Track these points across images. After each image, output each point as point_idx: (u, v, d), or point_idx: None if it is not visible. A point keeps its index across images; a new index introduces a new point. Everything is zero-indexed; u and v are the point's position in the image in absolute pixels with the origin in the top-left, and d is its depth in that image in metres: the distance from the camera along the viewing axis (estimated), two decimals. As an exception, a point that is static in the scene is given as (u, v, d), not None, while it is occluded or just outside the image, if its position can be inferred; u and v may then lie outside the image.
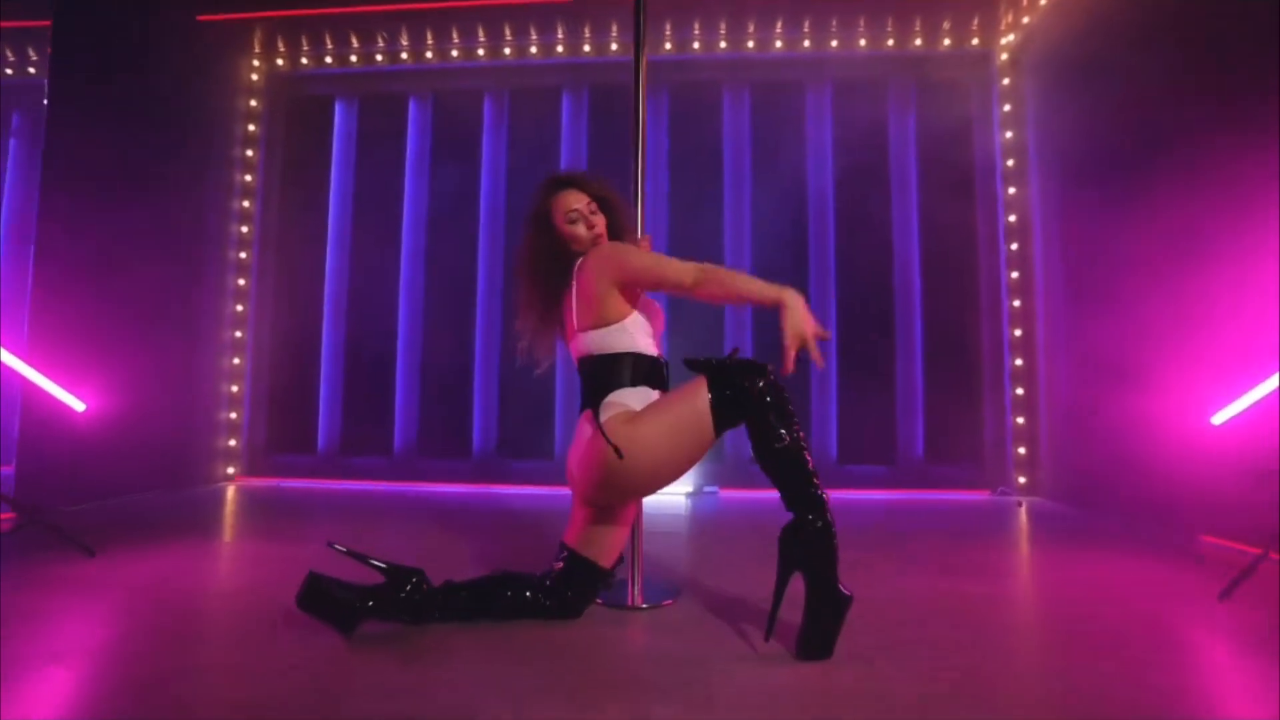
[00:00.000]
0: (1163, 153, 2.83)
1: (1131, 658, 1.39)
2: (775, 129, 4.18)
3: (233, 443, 4.23)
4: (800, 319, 1.44)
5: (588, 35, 4.21)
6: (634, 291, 1.64)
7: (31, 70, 4.45)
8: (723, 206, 4.16)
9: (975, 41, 4.09)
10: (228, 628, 1.60)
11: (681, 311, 3.90)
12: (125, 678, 1.27)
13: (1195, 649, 1.47)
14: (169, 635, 1.51)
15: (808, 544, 1.38)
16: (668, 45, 4.22)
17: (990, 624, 1.64)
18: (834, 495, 3.91)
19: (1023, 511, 3.39)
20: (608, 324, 1.60)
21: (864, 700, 1.18)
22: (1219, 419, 2.32)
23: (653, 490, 1.58)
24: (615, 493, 1.57)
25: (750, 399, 1.44)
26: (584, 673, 1.32)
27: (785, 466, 1.42)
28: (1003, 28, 4.02)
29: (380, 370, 4.24)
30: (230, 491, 3.88)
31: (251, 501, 3.55)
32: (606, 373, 1.60)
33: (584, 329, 1.63)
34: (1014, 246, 3.97)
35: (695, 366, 1.52)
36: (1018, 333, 3.92)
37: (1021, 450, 3.87)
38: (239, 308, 4.29)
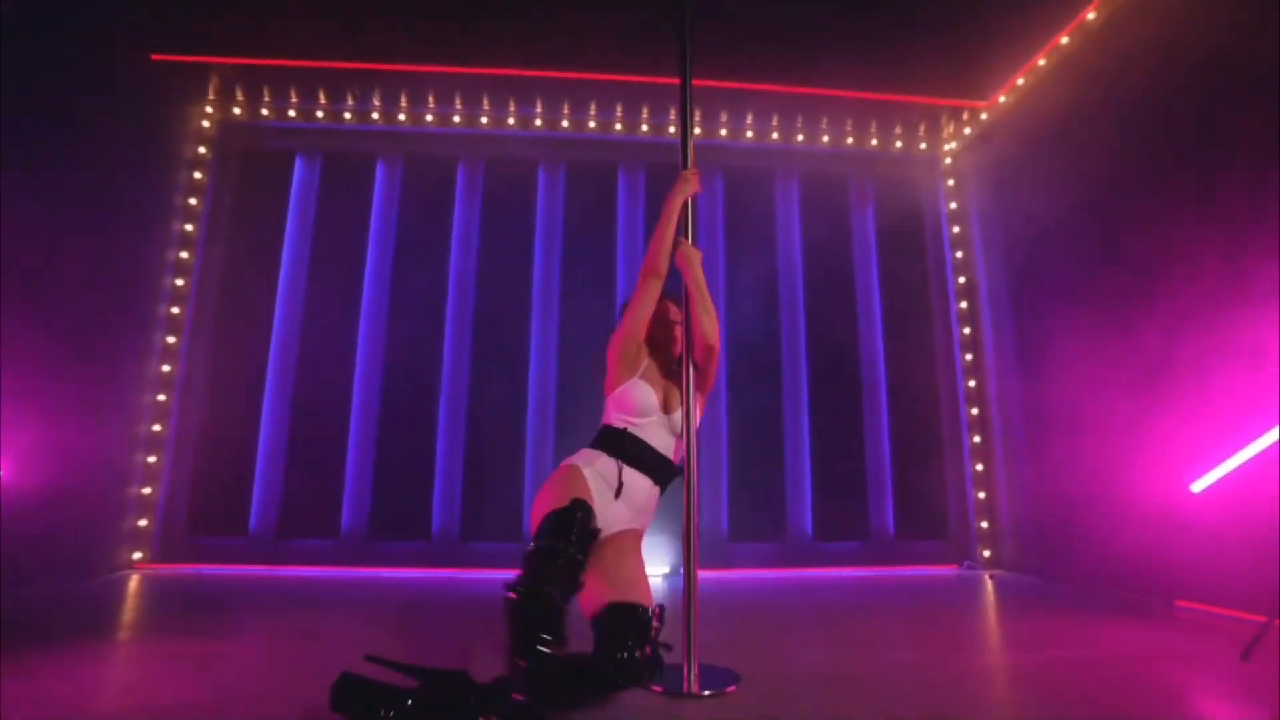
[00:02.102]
0: (1105, 232, 3.17)
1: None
2: (748, 212, 4.35)
3: (143, 523, 3.66)
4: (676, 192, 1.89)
5: (566, 111, 4.28)
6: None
7: None
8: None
9: (923, 145, 4.51)
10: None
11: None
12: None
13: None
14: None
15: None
16: (644, 128, 4.36)
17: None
18: (811, 573, 3.90)
19: (990, 583, 3.48)
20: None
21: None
22: (1199, 486, 2.50)
23: None
24: None
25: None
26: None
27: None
28: (945, 135, 4.46)
29: (329, 443, 3.86)
30: (133, 581, 3.31)
31: (166, 592, 3.04)
32: None
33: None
34: (966, 331, 4.27)
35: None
36: (974, 411, 4.15)
37: (984, 524, 4.02)
38: (165, 367, 3.82)
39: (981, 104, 4.12)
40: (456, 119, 4.26)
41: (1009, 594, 3.16)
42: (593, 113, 4.28)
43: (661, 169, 4.36)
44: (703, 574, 3.78)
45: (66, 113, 3.13)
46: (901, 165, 4.52)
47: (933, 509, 4.06)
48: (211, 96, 4.10)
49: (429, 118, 4.24)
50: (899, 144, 4.48)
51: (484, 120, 4.26)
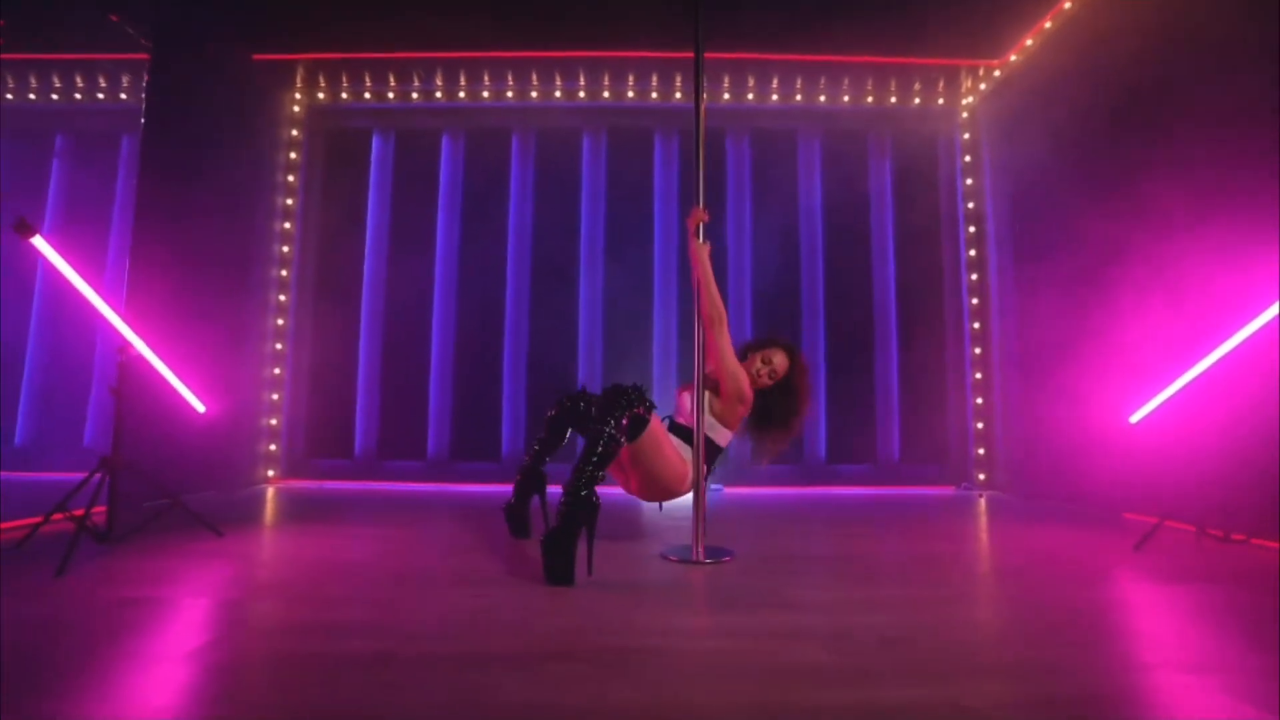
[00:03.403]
0: (1097, 197, 3.52)
1: (1069, 594, 1.96)
2: (772, 171, 4.78)
3: (273, 447, 4.55)
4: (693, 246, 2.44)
5: (607, 83, 4.73)
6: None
7: (78, 96, 4.71)
8: (726, 239, 4.72)
9: (941, 101, 4.79)
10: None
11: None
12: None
13: (1119, 583, 2.06)
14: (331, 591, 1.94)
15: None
16: (678, 95, 4.78)
17: (968, 574, 2.20)
18: (823, 491, 4.47)
19: (982, 502, 4.02)
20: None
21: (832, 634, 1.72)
22: (1136, 418, 2.96)
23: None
24: None
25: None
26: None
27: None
28: (963, 91, 4.72)
29: (414, 381, 4.64)
30: (271, 492, 4.19)
31: (306, 500, 3.89)
32: None
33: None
34: (974, 277, 4.65)
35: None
36: (977, 350, 4.59)
37: (981, 451, 4.52)
38: (279, 321, 4.63)
39: (995, 62, 4.38)
40: (510, 95, 4.77)
41: (992, 510, 3.69)
42: (630, 84, 4.72)
43: (693, 135, 4.78)
44: (729, 489, 4.46)
45: (193, 113, 3.81)
46: (919, 120, 4.83)
47: (935, 437, 4.58)
48: (299, 85, 4.74)
49: (485, 95, 4.78)
50: (917, 100, 4.77)
51: (534, 95, 4.77)
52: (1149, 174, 3.15)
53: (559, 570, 1.91)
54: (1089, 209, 3.56)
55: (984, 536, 2.86)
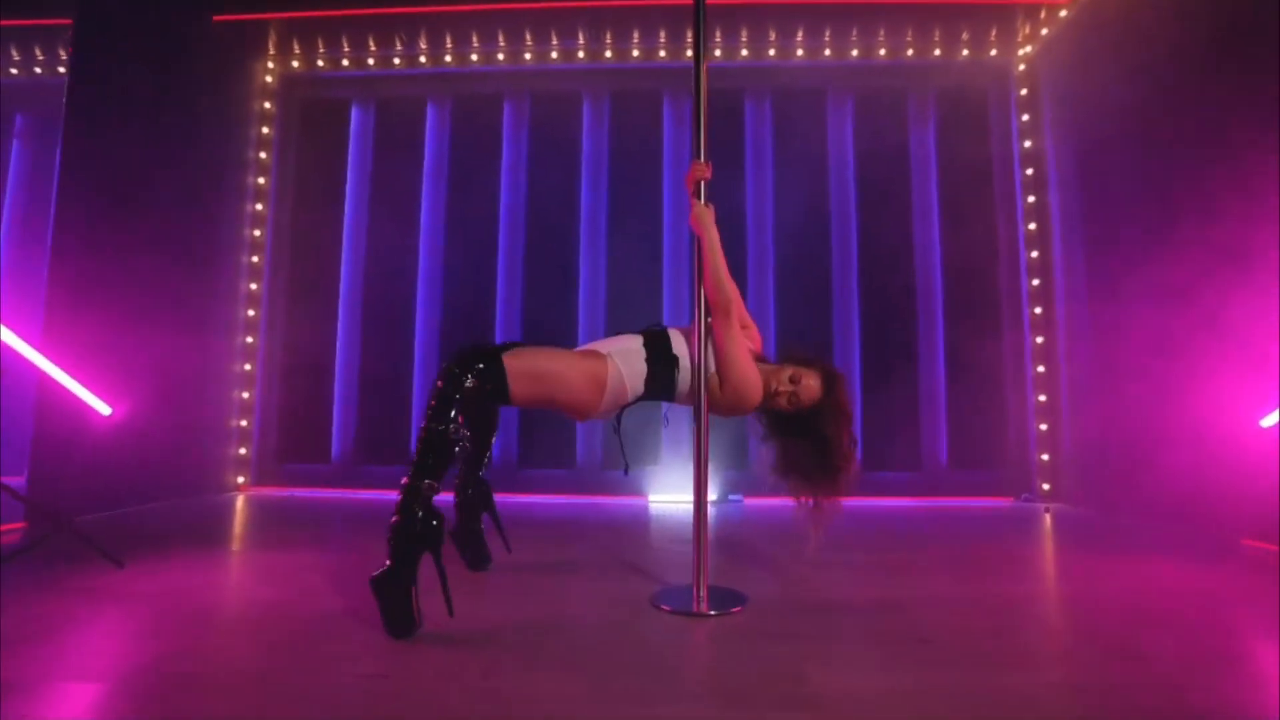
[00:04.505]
0: (1187, 155, 2.87)
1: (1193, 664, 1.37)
2: (797, 136, 4.19)
3: (243, 451, 4.12)
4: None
5: (609, 41, 4.20)
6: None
7: (38, 70, 4.34)
8: (745, 211, 4.15)
9: (994, 52, 4.14)
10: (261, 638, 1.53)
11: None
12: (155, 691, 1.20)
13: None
14: (208, 646, 1.44)
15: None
16: (689, 52, 4.22)
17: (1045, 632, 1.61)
18: (860, 503, 3.86)
19: (1048, 518, 3.39)
20: None
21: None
22: (1268, 422, 2.32)
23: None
24: None
25: None
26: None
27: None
28: (1020, 39, 4.07)
29: (397, 376, 4.16)
30: (240, 501, 3.76)
31: (267, 511, 3.44)
32: None
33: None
34: (1034, 254, 4.00)
35: None
36: (1039, 340, 3.94)
37: (1045, 456, 3.87)
38: (250, 312, 4.19)
39: (1062, 0, 3.72)
40: (501, 57, 4.27)
41: (1065, 529, 3.07)
42: (636, 41, 4.18)
43: (711, 95, 4.23)
44: (750, 501, 3.89)
45: (145, 82, 3.38)
46: (968, 75, 4.18)
47: (990, 440, 3.95)
48: (271, 52, 4.30)
49: (474, 58, 4.28)
50: (965, 52, 4.13)
51: (527, 56, 4.25)
52: (1259, 124, 2.50)
53: (393, 617, 1.49)
54: (1182, 168, 2.91)
55: (1070, 572, 2.26)
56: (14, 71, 4.35)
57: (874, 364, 4.04)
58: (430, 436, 1.58)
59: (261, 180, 4.28)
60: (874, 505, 3.78)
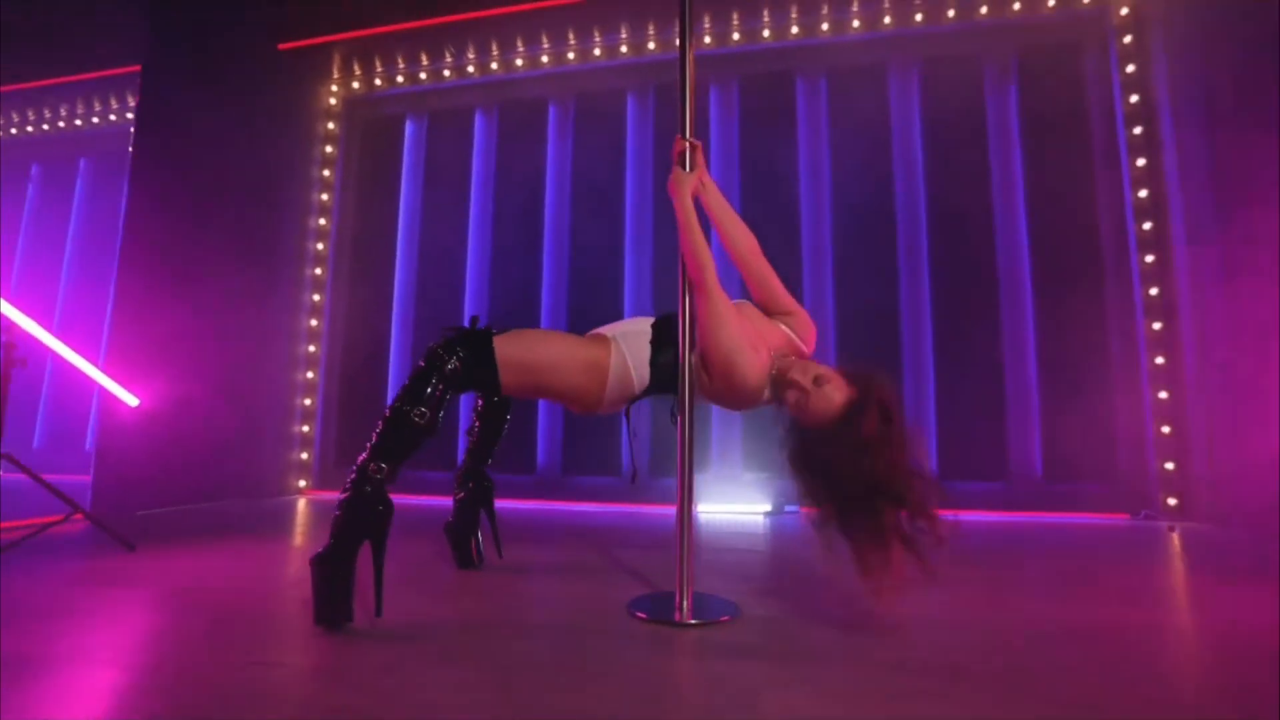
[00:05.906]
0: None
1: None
2: (856, 116, 3.84)
3: (304, 455, 4.25)
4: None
5: (652, 33, 4.07)
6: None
7: (94, 120, 4.88)
8: (799, 200, 3.84)
9: (1086, 1, 3.62)
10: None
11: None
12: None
13: None
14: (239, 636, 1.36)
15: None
16: (735, 35, 4.00)
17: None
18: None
19: (1176, 539, 2.79)
20: None
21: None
22: None
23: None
24: None
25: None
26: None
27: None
28: (1120, -18, 3.53)
29: (445, 382, 4.16)
30: (300, 503, 3.85)
31: (322, 512, 3.49)
32: None
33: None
34: (1147, 226, 3.40)
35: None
36: (1157, 326, 3.33)
37: (1169, 466, 3.24)
38: (313, 322, 4.36)
39: (1165, -72, 3.18)
40: (545, 59, 4.24)
41: (1204, 555, 2.50)
42: (677, 30, 4.01)
43: (755, 80, 4.01)
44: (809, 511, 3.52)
45: (215, 110, 3.60)
46: (1055, 30, 3.67)
47: (1096, 445, 3.35)
48: (335, 75, 4.51)
49: (519, 62, 4.28)
50: (1051, 2, 3.63)
51: (570, 56, 4.20)
52: None
53: (321, 601, 1.38)
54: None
55: (1200, 602, 1.78)
56: (78, 123, 4.88)
57: (949, 354, 3.57)
58: (394, 416, 1.47)
59: (325, 196, 4.47)
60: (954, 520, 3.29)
